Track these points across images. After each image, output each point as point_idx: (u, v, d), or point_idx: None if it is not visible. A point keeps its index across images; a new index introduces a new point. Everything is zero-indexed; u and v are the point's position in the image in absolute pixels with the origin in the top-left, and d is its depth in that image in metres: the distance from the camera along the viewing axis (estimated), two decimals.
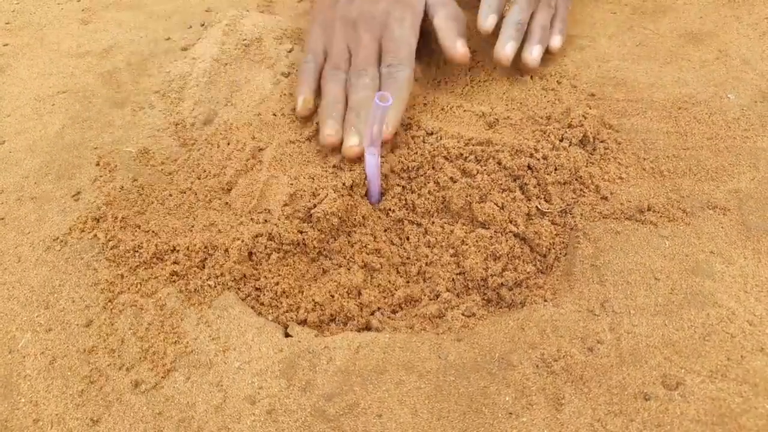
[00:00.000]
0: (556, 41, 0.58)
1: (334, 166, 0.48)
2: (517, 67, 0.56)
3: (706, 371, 0.35)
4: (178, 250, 0.43)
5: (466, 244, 0.44)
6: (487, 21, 0.54)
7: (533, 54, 0.55)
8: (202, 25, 0.69)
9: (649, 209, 0.45)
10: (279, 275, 0.43)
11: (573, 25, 0.64)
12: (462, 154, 0.47)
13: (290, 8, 0.72)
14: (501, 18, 0.56)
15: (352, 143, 0.47)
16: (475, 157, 0.47)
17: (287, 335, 0.40)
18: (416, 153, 0.48)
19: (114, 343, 0.40)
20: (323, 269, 0.45)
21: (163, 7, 0.73)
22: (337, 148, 0.49)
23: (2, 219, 0.48)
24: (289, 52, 0.62)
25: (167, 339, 0.40)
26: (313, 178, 0.46)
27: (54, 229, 0.46)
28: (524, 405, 0.35)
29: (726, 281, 0.40)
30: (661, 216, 0.44)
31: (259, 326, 0.41)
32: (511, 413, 0.35)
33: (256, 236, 0.43)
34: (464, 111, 0.53)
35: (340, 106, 0.51)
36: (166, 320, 0.41)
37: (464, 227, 0.45)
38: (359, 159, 0.47)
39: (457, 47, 0.53)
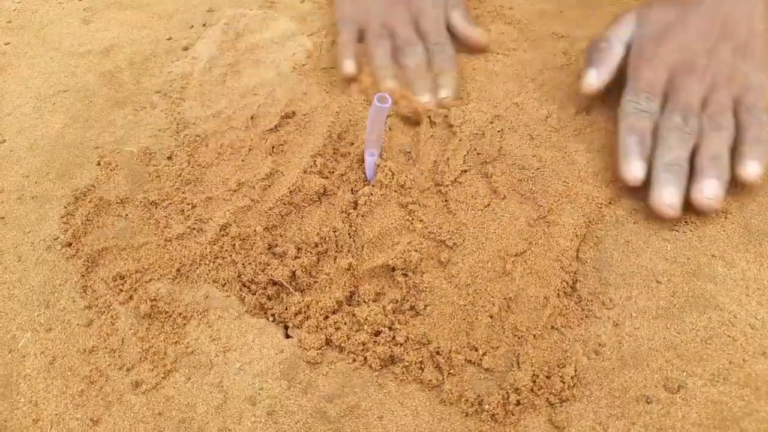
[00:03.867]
0: (749, 169, 0.43)
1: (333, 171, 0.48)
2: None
3: (708, 374, 0.35)
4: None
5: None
6: (631, 171, 0.44)
7: (704, 192, 0.42)
8: (204, 25, 0.68)
9: (651, 211, 0.44)
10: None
11: (575, 27, 0.64)
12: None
13: (292, 9, 0.72)
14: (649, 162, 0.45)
15: (424, 100, 0.52)
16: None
17: (288, 336, 0.40)
18: None
19: (114, 343, 0.40)
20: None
21: (164, 7, 0.73)
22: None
23: (3, 218, 0.48)
24: (293, 55, 0.62)
25: (168, 339, 0.40)
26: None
27: (55, 229, 0.46)
28: (525, 407, 0.35)
29: (728, 284, 0.40)
30: (663, 218, 0.44)
31: (260, 327, 0.40)
32: (512, 414, 0.35)
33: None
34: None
35: (393, 68, 0.55)
36: (166, 320, 0.41)
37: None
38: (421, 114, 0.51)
39: (477, 34, 0.58)
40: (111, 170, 0.51)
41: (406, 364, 0.38)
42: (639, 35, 0.50)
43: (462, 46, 0.59)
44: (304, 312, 0.40)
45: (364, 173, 0.48)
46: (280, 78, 0.59)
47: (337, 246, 0.44)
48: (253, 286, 0.42)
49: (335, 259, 0.43)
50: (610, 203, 0.46)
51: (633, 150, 0.45)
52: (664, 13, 0.50)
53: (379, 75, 0.54)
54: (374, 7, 0.58)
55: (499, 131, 0.51)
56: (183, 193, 0.49)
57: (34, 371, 0.38)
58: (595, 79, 0.50)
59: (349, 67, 0.56)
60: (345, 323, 0.40)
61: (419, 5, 0.58)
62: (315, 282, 0.42)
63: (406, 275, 0.41)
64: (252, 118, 0.54)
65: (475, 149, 0.49)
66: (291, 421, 0.36)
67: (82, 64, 0.64)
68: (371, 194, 0.45)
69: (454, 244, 0.43)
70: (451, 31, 0.59)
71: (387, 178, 0.46)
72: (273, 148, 0.50)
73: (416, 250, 0.42)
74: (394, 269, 0.42)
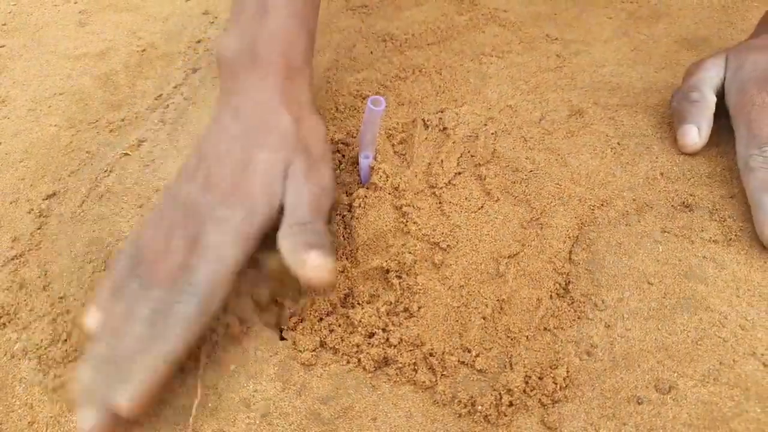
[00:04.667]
0: None
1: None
2: None
3: (699, 375, 0.36)
4: None
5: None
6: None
7: None
8: (198, 42, 0.68)
9: (642, 213, 0.45)
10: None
11: (568, 30, 0.65)
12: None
13: None
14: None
15: (83, 419, 0.33)
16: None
17: (282, 338, 0.40)
18: None
19: None
20: None
21: (160, 10, 0.74)
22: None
23: None
24: None
25: None
26: None
27: None
28: (518, 408, 0.35)
29: (718, 286, 0.40)
30: (654, 220, 0.44)
31: (255, 329, 0.41)
32: (504, 415, 0.35)
33: None
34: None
35: (111, 342, 0.35)
36: None
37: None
38: None
39: (307, 263, 0.37)
40: (107, 173, 0.51)
41: (400, 365, 0.38)
42: (740, 80, 0.48)
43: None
44: (299, 314, 0.41)
45: (359, 175, 0.48)
46: None
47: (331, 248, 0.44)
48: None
49: None
50: (602, 205, 0.46)
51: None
52: (766, 55, 0.47)
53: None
54: (167, 216, 0.39)
55: (492, 133, 0.51)
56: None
57: (29, 374, 0.38)
58: (698, 137, 0.48)
59: (90, 322, 0.37)
60: (339, 325, 0.40)
61: (204, 219, 0.38)
62: None
63: (400, 277, 0.42)
64: None
65: (468, 151, 0.50)
66: (285, 423, 0.36)
67: (77, 67, 0.64)
68: (365, 196, 0.45)
69: (448, 246, 0.43)
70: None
71: (381, 180, 0.46)
72: None
73: (410, 252, 0.42)
74: (388, 271, 0.42)
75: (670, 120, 0.52)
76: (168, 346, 0.34)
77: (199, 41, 0.68)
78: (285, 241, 0.38)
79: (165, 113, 0.58)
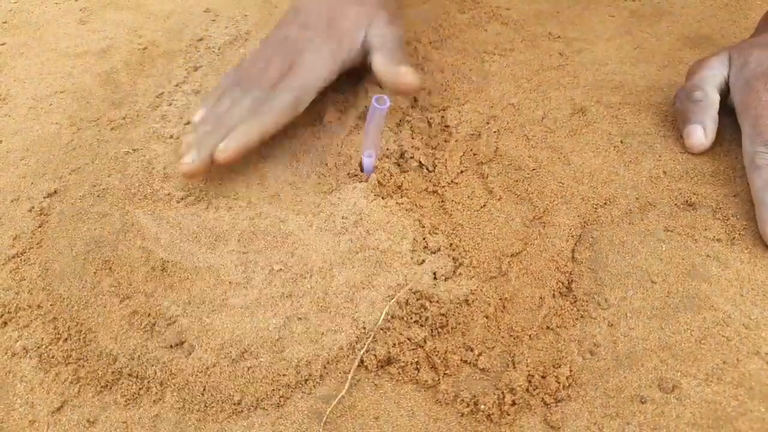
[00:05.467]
0: None
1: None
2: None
3: (702, 374, 0.35)
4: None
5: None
6: None
7: None
8: (200, 39, 0.68)
9: (646, 212, 0.45)
10: None
11: (571, 28, 0.64)
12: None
13: None
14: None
15: (184, 160, 0.47)
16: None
17: None
18: None
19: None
20: None
21: (161, 7, 0.73)
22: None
23: None
24: None
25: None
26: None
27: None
28: (521, 407, 0.35)
29: (722, 284, 0.40)
30: (657, 219, 0.44)
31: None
32: (507, 414, 0.35)
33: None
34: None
35: (210, 125, 0.49)
36: (161, 330, 0.41)
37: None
38: (191, 176, 0.47)
39: (400, 72, 0.49)
40: (108, 174, 0.51)
41: (402, 364, 0.38)
42: (745, 76, 0.47)
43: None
44: None
45: (362, 171, 0.48)
46: None
47: None
48: None
49: None
50: (605, 204, 0.46)
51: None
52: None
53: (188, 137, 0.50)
54: (263, 50, 0.53)
55: (495, 132, 0.51)
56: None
57: (30, 372, 0.38)
58: (704, 137, 0.48)
59: (197, 116, 0.52)
60: None
61: (302, 47, 0.51)
62: None
63: None
64: None
65: (471, 150, 0.49)
66: (287, 422, 0.36)
67: (78, 64, 0.64)
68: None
69: (451, 244, 0.43)
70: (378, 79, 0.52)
71: (384, 179, 0.46)
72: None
73: None
74: None
75: (673, 118, 0.52)
76: (263, 121, 0.48)
77: (200, 39, 0.67)
78: (379, 58, 0.51)
79: (167, 111, 0.58)
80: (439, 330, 0.39)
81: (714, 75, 0.49)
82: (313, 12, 0.53)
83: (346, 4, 0.53)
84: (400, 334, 0.39)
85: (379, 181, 0.45)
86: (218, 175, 0.50)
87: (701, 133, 0.48)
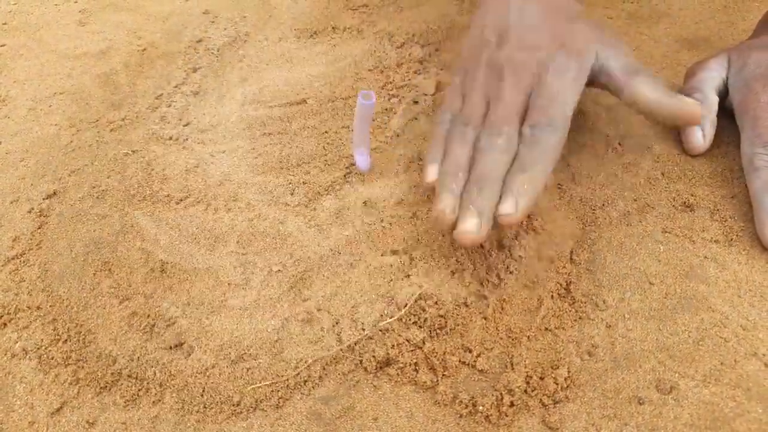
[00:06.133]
0: None
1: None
2: None
3: (700, 376, 0.36)
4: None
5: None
6: None
7: None
8: (199, 41, 0.68)
9: (644, 213, 0.45)
10: None
11: None
12: None
13: (288, 7, 0.72)
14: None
15: (467, 227, 0.37)
16: None
17: None
18: None
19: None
20: None
21: (160, 9, 0.73)
22: (452, 228, 0.39)
23: None
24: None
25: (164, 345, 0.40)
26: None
27: None
28: (519, 408, 0.35)
29: (720, 286, 0.40)
30: (655, 220, 0.44)
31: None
32: (506, 416, 0.35)
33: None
34: None
35: (462, 175, 0.40)
36: (162, 332, 0.41)
37: None
38: (475, 244, 0.38)
39: (686, 103, 0.42)
40: (107, 175, 0.51)
41: (401, 365, 0.38)
42: (744, 78, 0.47)
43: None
44: None
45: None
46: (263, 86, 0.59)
47: None
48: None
49: None
50: (603, 205, 0.46)
51: None
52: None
53: (438, 186, 0.41)
54: (483, 78, 0.44)
55: None
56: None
57: (29, 374, 0.38)
58: (702, 139, 0.47)
59: (429, 175, 0.42)
60: None
61: (540, 71, 0.42)
62: None
63: None
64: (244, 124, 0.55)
65: None
66: (286, 423, 0.36)
67: (77, 66, 0.64)
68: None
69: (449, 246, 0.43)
70: (636, 108, 0.43)
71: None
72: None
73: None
74: None
75: None
76: (543, 167, 0.39)
77: (199, 40, 0.68)
78: (645, 86, 0.42)
79: (166, 112, 0.58)
80: (438, 331, 0.39)
81: (713, 77, 0.49)
82: (529, 30, 0.44)
83: (565, 21, 0.45)
84: (399, 335, 0.39)
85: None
86: (216, 175, 0.50)
87: (700, 135, 0.48)
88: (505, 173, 0.39)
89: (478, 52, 0.45)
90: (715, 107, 0.48)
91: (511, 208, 0.37)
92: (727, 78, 0.49)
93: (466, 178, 0.40)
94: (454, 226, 0.38)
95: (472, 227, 0.37)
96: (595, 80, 0.44)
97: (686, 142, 0.48)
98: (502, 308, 0.40)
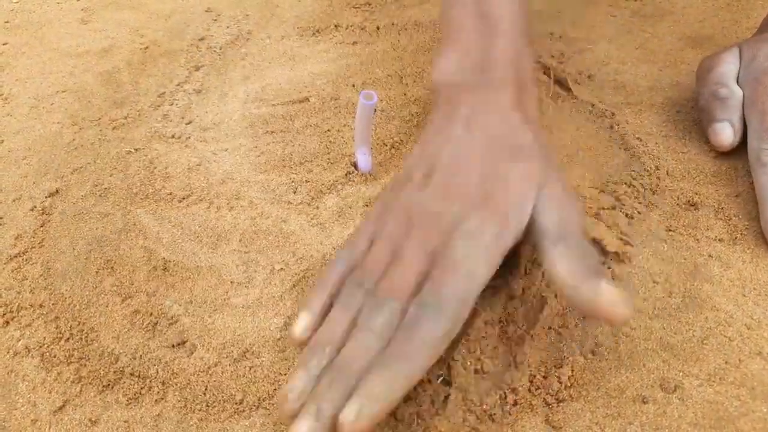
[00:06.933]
0: None
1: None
2: None
3: (704, 375, 0.35)
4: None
5: None
6: None
7: None
8: (201, 39, 0.68)
9: (648, 212, 0.45)
10: None
11: (572, 28, 0.64)
12: None
13: (291, 6, 0.72)
14: None
15: (299, 428, 0.30)
16: None
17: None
18: None
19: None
20: None
21: (162, 7, 0.73)
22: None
23: (0, 218, 0.48)
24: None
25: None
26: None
27: None
28: (522, 407, 0.35)
29: (724, 285, 0.40)
30: (659, 219, 0.44)
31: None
32: (509, 414, 0.35)
33: None
34: None
35: (329, 350, 0.33)
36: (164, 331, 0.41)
37: None
38: None
39: (603, 293, 0.31)
40: (110, 174, 0.51)
41: None
42: (753, 71, 0.47)
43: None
44: None
45: (356, 169, 0.48)
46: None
47: None
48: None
49: None
50: (607, 204, 0.46)
51: None
52: None
53: (300, 359, 0.33)
54: (392, 224, 0.37)
55: None
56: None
57: (32, 372, 0.38)
58: (732, 135, 0.46)
59: (296, 335, 0.35)
60: None
61: (451, 230, 0.35)
62: None
63: None
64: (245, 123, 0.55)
65: None
66: (289, 422, 0.36)
67: (80, 64, 0.64)
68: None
69: None
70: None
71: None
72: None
73: None
74: None
75: (675, 118, 0.52)
76: (411, 366, 0.31)
77: (201, 39, 0.68)
78: (563, 259, 0.33)
79: (168, 110, 0.58)
80: None
81: (731, 69, 0.49)
82: (457, 172, 0.37)
83: (505, 161, 0.37)
84: None
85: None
86: (219, 173, 0.50)
87: (730, 131, 0.47)
88: (372, 362, 0.31)
89: (399, 189, 0.38)
90: (741, 101, 0.47)
91: (351, 416, 0.29)
92: (739, 72, 0.49)
93: (333, 356, 0.32)
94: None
95: (302, 429, 0.30)
96: (527, 239, 0.36)
97: (715, 138, 0.47)
98: (505, 307, 0.40)
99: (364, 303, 0.34)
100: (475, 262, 0.34)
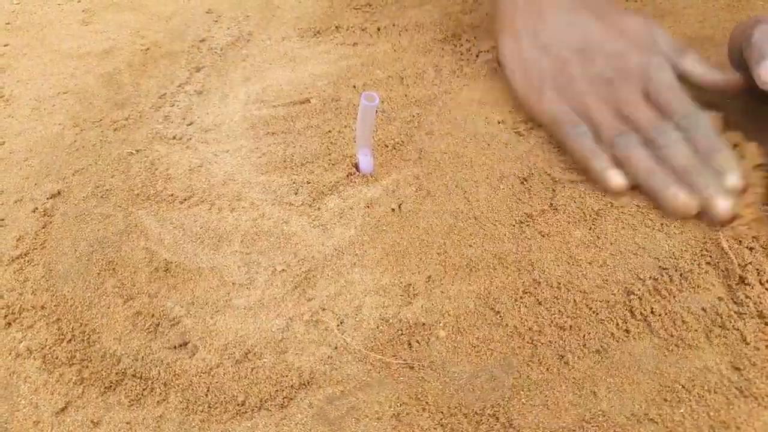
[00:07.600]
0: None
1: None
2: None
3: None
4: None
5: None
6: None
7: None
8: (202, 40, 0.68)
9: (651, 208, 0.45)
10: None
11: None
12: None
13: (292, 7, 0.72)
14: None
15: (725, 206, 0.40)
16: None
17: None
18: None
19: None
20: None
21: (163, 9, 0.73)
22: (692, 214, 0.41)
23: (2, 220, 0.48)
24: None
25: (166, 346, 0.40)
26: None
27: None
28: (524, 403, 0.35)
29: None
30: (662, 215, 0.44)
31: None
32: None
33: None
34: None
35: (667, 170, 0.42)
36: (166, 331, 0.41)
37: None
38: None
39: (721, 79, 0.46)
40: (111, 175, 0.51)
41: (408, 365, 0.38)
42: None
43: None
44: None
45: (357, 170, 0.48)
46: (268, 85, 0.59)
47: None
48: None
49: None
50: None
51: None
52: None
53: (657, 185, 0.42)
54: (593, 92, 0.48)
55: None
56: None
57: (34, 373, 0.38)
58: None
59: (617, 180, 0.44)
60: None
61: (643, 74, 0.47)
62: None
63: None
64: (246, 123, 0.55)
65: None
66: (291, 423, 0.36)
67: (81, 65, 0.64)
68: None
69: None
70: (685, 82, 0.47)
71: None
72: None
73: None
74: None
75: None
76: (729, 152, 0.42)
77: (202, 40, 0.68)
78: (692, 62, 0.47)
79: (170, 111, 0.58)
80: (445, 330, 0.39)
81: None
82: (600, 38, 0.49)
83: (616, 18, 0.50)
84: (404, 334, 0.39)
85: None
86: (220, 175, 0.50)
87: None
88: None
89: (565, 68, 0.49)
90: None
91: (736, 179, 0.40)
92: None
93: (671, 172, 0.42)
94: (695, 213, 0.41)
95: (727, 206, 0.40)
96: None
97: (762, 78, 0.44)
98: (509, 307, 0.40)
99: (648, 137, 0.44)
100: (677, 83, 0.46)
